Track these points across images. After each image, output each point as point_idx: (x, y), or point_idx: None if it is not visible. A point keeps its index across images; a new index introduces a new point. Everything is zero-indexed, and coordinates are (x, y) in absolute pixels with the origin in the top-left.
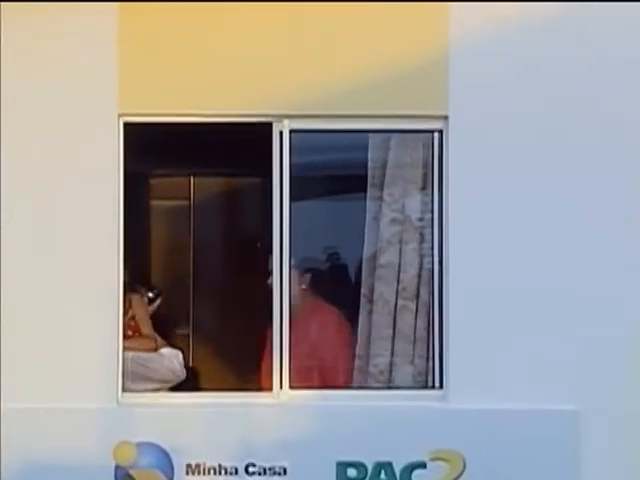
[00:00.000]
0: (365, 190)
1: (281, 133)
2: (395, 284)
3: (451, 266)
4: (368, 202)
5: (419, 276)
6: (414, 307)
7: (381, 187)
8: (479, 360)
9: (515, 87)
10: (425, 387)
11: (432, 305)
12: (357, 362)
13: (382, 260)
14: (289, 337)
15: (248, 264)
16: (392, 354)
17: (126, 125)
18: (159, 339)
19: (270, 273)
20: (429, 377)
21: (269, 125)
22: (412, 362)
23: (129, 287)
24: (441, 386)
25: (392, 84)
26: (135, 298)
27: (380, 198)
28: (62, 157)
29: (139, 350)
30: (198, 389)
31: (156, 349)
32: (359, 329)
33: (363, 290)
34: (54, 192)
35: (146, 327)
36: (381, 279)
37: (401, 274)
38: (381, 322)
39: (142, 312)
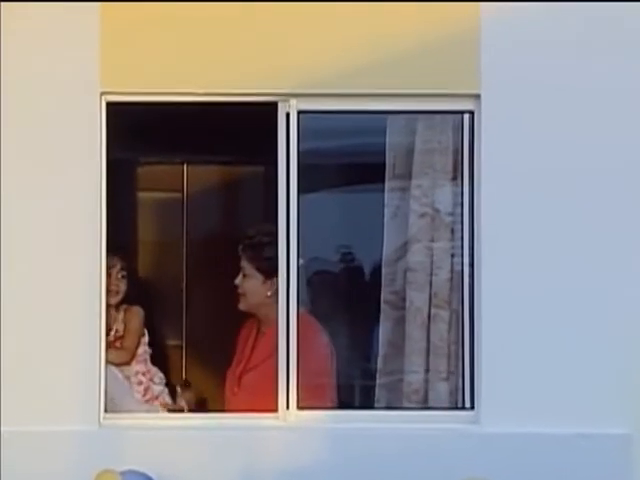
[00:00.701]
0: (383, 181)
1: (287, 115)
2: (427, 289)
3: (484, 268)
4: (387, 194)
5: (451, 280)
6: (447, 316)
7: (405, 177)
8: (515, 377)
9: (555, 62)
10: (455, 408)
11: (462, 314)
12: (381, 379)
13: (411, 262)
14: (297, 350)
15: None
16: (426, 370)
17: (109, 105)
18: (142, 353)
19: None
20: (459, 396)
21: (274, 105)
22: (447, 379)
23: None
24: (472, 407)
25: (416, 59)
26: (132, 309)
27: (404, 190)
28: (35, 142)
29: (111, 363)
30: (192, 409)
31: (129, 363)
32: (380, 340)
33: (384, 296)
34: (26, 181)
35: (129, 339)
36: (411, 284)
37: (433, 278)
38: (413, 333)
39: (134, 324)
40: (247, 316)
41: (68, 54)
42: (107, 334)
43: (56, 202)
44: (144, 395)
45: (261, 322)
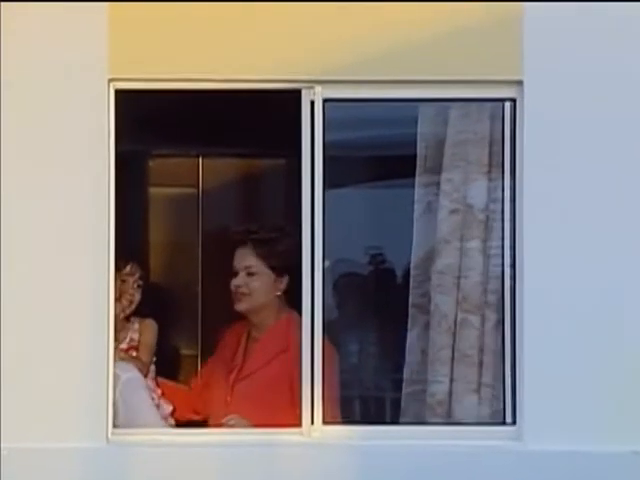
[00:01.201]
0: (414, 175)
1: (312, 103)
2: (455, 293)
3: (526, 270)
4: (417, 190)
5: (486, 283)
6: (478, 322)
7: (436, 171)
8: (562, 389)
9: (604, 46)
10: (494, 423)
11: (502, 320)
12: (406, 389)
13: (439, 263)
14: (322, 359)
15: None
16: (451, 380)
17: (118, 92)
18: (152, 370)
19: (236, 273)
20: (499, 410)
21: (297, 93)
22: (477, 391)
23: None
24: (514, 422)
25: (451, 42)
26: (146, 322)
27: (435, 184)
28: (37, 135)
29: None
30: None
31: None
32: (407, 347)
33: (412, 299)
34: (27, 179)
35: (144, 353)
36: (437, 287)
37: (461, 280)
38: (438, 340)
39: (149, 338)
40: (233, 320)
41: (73, 37)
42: (119, 342)
43: (60, 200)
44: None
45: (254, 327)
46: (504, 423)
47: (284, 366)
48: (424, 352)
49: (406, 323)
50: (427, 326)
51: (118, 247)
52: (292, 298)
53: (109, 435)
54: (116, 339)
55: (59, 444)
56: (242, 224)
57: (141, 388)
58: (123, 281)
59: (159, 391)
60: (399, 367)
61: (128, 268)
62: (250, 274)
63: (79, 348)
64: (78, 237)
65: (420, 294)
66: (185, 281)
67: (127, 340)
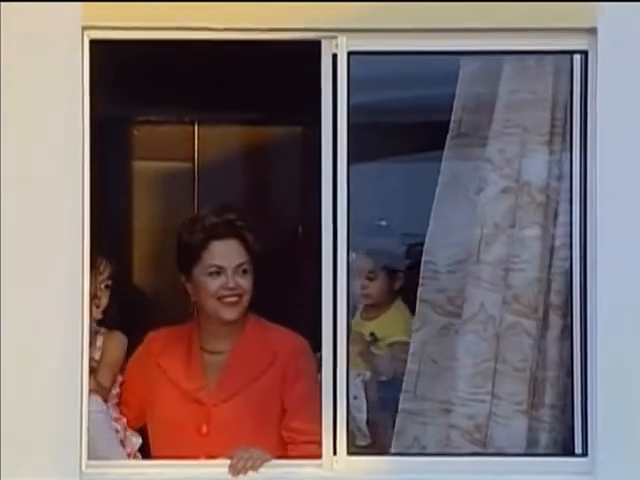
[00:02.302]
0: (459, 145)
1: (334, 57)
2: (502, 289)
3: (599, 266)
4: (463, 162)
5: (547, 279)
6: (534, 327)
7: (484, 140)
8: None
9: None
10: (559, 453)
11: (571, 328)
12: (406, 403)
13: (486, 253)
14: (346, 374)
15: (281, 254)
16: (493, 397)
17: (94, 43)
18: (115, 395)
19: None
20: (565, 438)
21: (316, 45)
22: (528, 413)
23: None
24: (584, 452)
25: None
26: (112, 336)
27: (483, 158)
28: None
29: None
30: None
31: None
32: (412, 352)
33: (423, 294)
34: None
35: (104, 374)
36: (482, 282)
37: (514, 275)
38: (479, 348)
39: (113, 355)
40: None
41: None
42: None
43: (23, 176)
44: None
45: (213, 335)
46: (573, 454)
47: (274, 383)
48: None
49: (443, 327)
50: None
51: (94, 236)
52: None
53: (83, 468)
54: None
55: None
56: (269, 210)
57: (103, 422)
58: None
59: (124, 420)
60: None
61: (101, 267)
62: (243, 272)
63: (46, 367)
64: (45, 223)
65: (459, 290)
66: (175, 276)
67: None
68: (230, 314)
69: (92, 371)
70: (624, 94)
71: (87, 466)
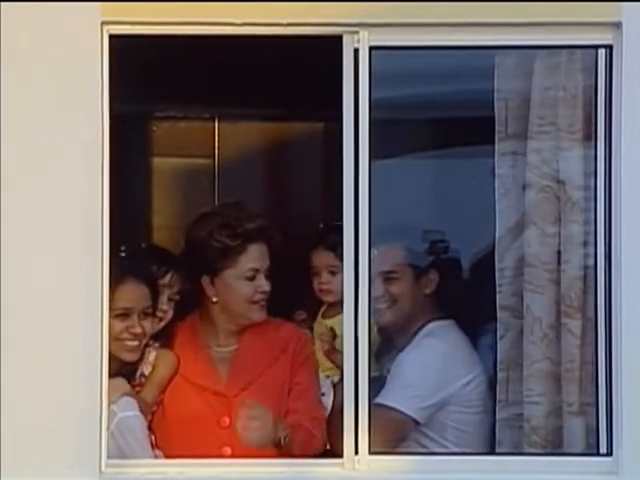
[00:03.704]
0: (490, 142)
1: (356, 51)
2: (550, 291)
3: (624, 262)
4: (497, 161)
5: (585, 277)
6: (579, 328)
7: (520, 137)
8: None
9: None
10: (586, 453)
11: (595, 326)
12: (502, 412)
13: (529, 254)
14: (368, 372)
15: (302, 252)
16: (549, 401)
17: (113, 38)
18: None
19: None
20: (592, 438)
21: (338, 39)
22: (580, 414)
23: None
24: (609, 452)
25: None
26: (164, 355)
27: (517, 154)
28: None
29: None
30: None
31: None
32: (500, 360)
33: (501, 300)
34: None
35: (150, 391)
36: (527, 284)
37: (558, 275)
38: (531, 351)
39: (160, 375)
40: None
41: None
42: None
43: (41, 172)
44: None
45: (222, 332)
46: (597, 454)
47: (286, 368)
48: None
49: (475, 328)
50: (516, 333)
51: (113, 234)
52: None
53: (102, 468)
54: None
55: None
56: (290, 207)
57: (139, 429)
58: (156, 291)
59: (153, 438)
60: None
61: (167, 278)
62: (268, 276)
63: (69, 372)
64: (62, 224)
65: (507, 293)
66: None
67: (137, 374)
68: (260, 316)
69: (139, 385)
70: None
71: (107, 465)
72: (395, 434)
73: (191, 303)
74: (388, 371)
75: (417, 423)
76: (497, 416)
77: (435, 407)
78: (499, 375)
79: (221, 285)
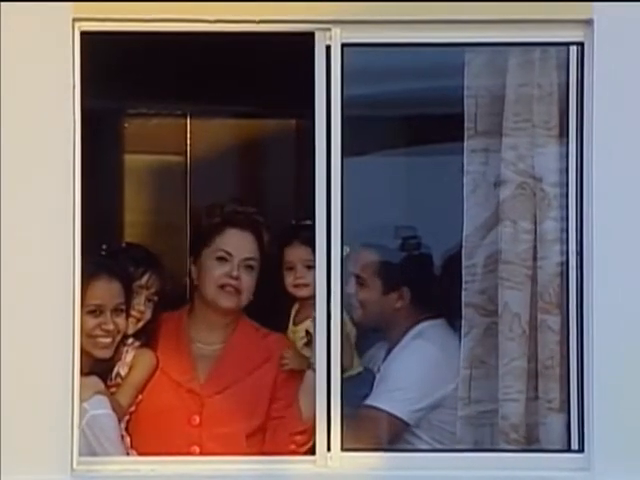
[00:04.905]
0: (460, 139)
1: (328, 48)
2: (528, 287)
3: (595, 259)
4: (468, 158)
5: (562, 274)
6: (557, 324)
7: (491, 134)
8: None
9: None
10: (559, 450)
11: (567, 323)
12: (464, 410)
13: (506, 250)
14: (340, 369)
15: (274, 249)
16: (529, 399)
17: (85, 35)
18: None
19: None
20: (564, 435)
21: (310, 36)
22: (563, 410)
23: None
24: (581, 449)
25: None
26: (142, 355)
27: (489, 151)
28: None
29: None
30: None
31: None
32: (463, 357)
33: (467, 297)
34: None
35: (126, 393)
36: (505, 281)
37: (536, 271)
38: (509, 348)
39: (137, 376)
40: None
41: None
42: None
43: (12, 169)
44: None
45: (207, 328)
46: (569, 450)
47: (268, 378)
48: (483, 364)
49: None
50: (487, 330)
51: (85, 230)
52: None
53: (74, 465)
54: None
55: (15, 477)
56: (263, 204)
57: (110, 427)
58: (134, 293)
59: (128, 440)
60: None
61: (145, 278)
62: (249, 267)
63: (39, 365)
64: (34, 220)
65: (477, 290)
66: (172, 267)
67: (114, 374)
68: (227, 302)
69: (114, 386)
70: (620, 85)
71: (78, 463)
72: (386, 436)
73: (173, 303)
74: (378, 370)
75: (407, 425)
76: (459, 413)
77: (426, 410)
78: (462, 373)
79: (199, 265)
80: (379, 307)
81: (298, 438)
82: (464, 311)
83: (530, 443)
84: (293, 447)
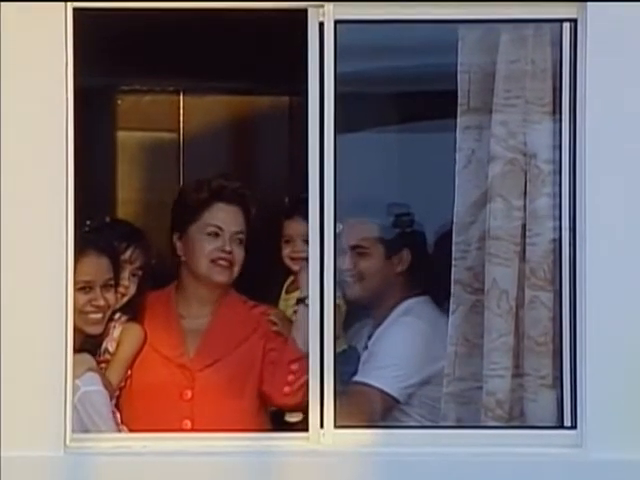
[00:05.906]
0: (453, 116)
1: (321, 25)
2: (516, 264)
3: (588, 234)
4: (460, 135)
5: (554, 251)
6: (551, 300)
7: (484, 111)
8: (633, 385)
9: None
10: (550, 426)
11: (560, 299)
12: (449, 387)
13: (495, 227)
14: (333, 345)
15: (267, 227)
16: (515, 375)
17: (77, 11)
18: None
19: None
20: (557, 411)
21: (303, 13)
22: (555, 387)
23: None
24: (574, 425)
25: None
26: (130, 329)
27: (482, 128)
28: None
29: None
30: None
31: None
32: (450, 334)
33: (456, 274)
34: None
35: (115, 369)
36: (493, 257)
37: (528, 247)
38: (496, 324)
39: (129, 349)
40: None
41: None
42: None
43: (4, 146)
44: None
45: (194, 302)
46: (562, 427)
47: (257, 349)
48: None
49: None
50: (476, 306)
51: (78, 207)
52: None
53: (67, 442)
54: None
55: (9, 453)
56: (256, 181)
57: (102, 404)
58: (120, 267)
59: (118, 416)
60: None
61: (128, 253)
62: (239, 241)
63: (33, 343)
64: (27, 196)
65: (466, 267)
66: (164, 245)
67: (102, 349)
68: (221, 277)
69: (103, 362)
70: (613, 62)
71: (71, 439)
72: (378, 413)
73: (159, 278)
74: (365, 347)
75: (398, 402)
76: (444, 390)
77: (416, 387)
78: (448, 349)
79: (187, 241)
80: (381, 274)
81: (294, 367)
82: (453, 288)
83: (514, 419)
84: (291, 377)
